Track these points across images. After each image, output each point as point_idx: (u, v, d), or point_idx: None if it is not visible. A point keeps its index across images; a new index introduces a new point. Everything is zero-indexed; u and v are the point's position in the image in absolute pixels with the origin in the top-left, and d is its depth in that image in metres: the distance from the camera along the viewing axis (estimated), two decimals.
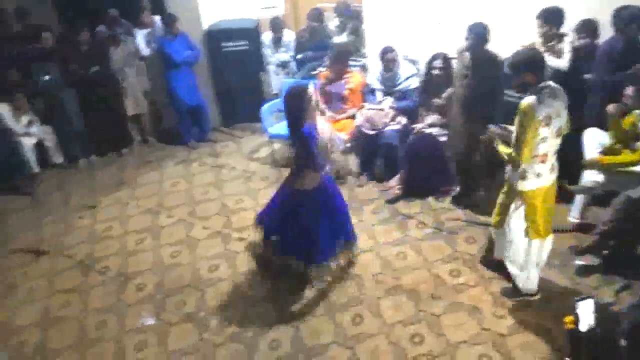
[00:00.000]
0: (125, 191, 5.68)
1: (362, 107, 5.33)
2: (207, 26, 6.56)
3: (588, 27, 4.30)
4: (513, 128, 3.17)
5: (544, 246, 3.44)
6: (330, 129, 3.95)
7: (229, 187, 5.55)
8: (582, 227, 4.17)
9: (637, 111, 3.60)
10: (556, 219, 3.59)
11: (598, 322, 2.75)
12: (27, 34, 6.40)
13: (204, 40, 6.56)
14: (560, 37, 4.30)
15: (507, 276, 3.66)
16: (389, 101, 5.23)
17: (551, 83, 3.19)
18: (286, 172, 4.05)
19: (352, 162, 5.46)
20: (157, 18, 6.51)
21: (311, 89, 3.58)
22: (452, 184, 4.90)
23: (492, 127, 3.45)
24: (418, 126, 4.95)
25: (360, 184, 5.29)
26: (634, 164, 3.55)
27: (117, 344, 3.66)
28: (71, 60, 6.03)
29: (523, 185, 3.24)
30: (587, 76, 4.29)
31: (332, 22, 6.67)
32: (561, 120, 3.15)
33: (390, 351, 3.37)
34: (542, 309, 3.53)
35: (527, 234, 3.34)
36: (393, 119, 5.14)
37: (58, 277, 4.41)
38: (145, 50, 6.50)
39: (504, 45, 4.20)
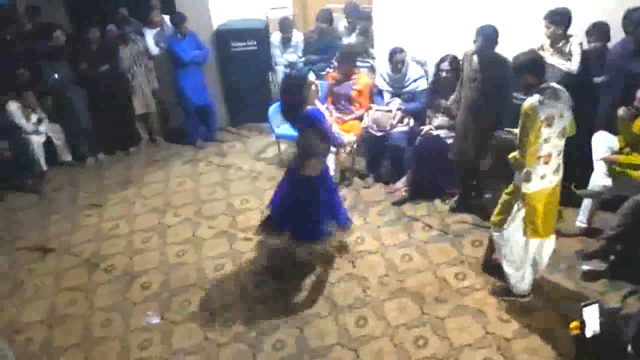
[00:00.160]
0: (132, 190, 5.71)
1: (370, 108, 5.32)
2: (216, 26, 6.58)
3: (599, 30, 4.26)
4: (517, 131, 3.16)
5: (544, 247, 3.42)
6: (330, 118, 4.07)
7: (235, 187, 5.56)
8: (589, 232, 4.13)
9: None
10: (563, 223, 3.57)
11: (604, 328, 2.72)
12: (38, 32, 6.46)
13: (213, 40, 6.58)
14: (567, 39, 4.27)
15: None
16: (397, 102, 5.22)
17: (553, 84, 3.19)
18: None
19: (359, 163, 5.44)
20: (166, 17, 6.53)
21: (311, 76, 3.64)
22: (458, 187, 4.87)
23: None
24: (425, 128, 4.93)
25: (367, 185, 5.28)
26: None
27: (122, 343, 3.67)
28: (81, 59, 6.05)
29: (527, 188, 3.23)
30: (597, 79, 4.25)
31: (342, 23, 6.66)
32: (565, 121, 3.14)
33: (394, 353, 3.36)
34: (547, 314, 3.50)
35: (525, 232, 3.34)
36: (400, 121, 5.13)
37: (64, 275, 4.43)
38: (154, 50, 6.52)
39: (513, 48, 4.17)
